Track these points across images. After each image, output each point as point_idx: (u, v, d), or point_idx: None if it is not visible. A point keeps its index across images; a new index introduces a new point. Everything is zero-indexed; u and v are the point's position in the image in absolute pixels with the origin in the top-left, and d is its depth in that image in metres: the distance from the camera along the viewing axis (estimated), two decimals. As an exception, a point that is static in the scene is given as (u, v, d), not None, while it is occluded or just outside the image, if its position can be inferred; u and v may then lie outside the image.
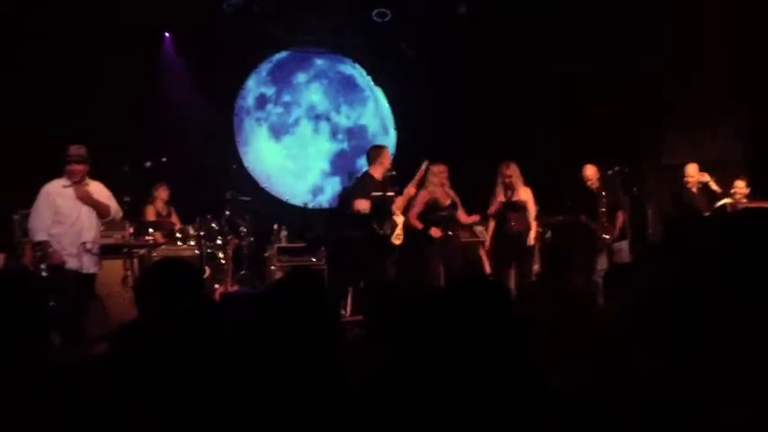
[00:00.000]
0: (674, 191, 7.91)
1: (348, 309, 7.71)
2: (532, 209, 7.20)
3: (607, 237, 7.43)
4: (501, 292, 2.27)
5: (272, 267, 8.22)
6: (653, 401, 1.77)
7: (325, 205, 10.23)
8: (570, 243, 7.10)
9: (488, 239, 7.41)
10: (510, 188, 7.09)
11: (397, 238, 6.68)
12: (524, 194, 7.17)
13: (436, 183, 6.95)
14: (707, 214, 7.49)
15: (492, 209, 7.18)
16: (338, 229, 8.25)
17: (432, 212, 6.93)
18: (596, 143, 8.36)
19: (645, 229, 8.35)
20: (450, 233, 6.92)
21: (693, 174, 7.74)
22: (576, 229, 7.53)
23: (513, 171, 7.10)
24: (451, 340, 2.08)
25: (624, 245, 7.56)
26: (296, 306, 2.18)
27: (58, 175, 5.75)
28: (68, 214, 5.68)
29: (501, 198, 7.12)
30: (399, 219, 6.74)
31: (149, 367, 2.25)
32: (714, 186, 7.69)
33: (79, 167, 5.68)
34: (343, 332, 5.24)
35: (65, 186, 5.69)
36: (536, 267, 7.66)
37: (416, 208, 6.97)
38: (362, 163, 10.40)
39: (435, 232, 6.85)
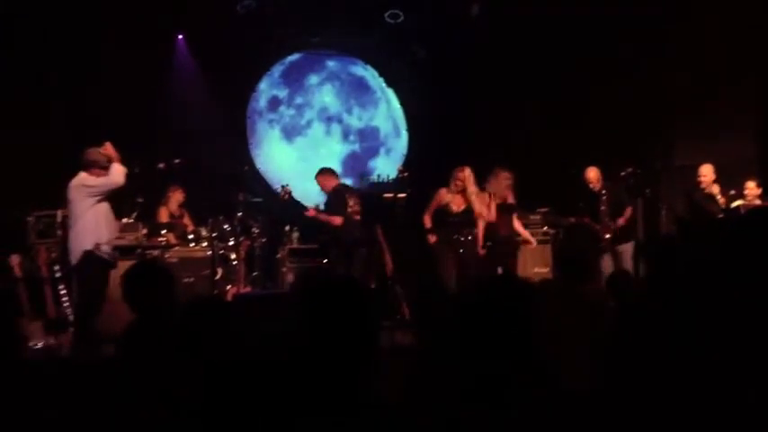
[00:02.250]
0: (687, 192, 7.85)
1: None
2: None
3: (608, 236, 7.41)
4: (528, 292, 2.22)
5: (284, 269, 8.23)
6: (656, 400, 1.77)
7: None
8: (585, 249, 7.10)
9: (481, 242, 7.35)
10: (509, 191, 7.16)
11: None
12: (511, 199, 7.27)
13: (453, 189, 6.94)
14: (721, 216, 7.43)
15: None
16: (351, 231, 8.26)
17: (443, 216, 6.94)
18: (609, 145, 8.32)
19: (658, 232, 8.29)
20: (459, 237, 6.90)
21: (707, 174, 7.66)
22: (585, 232, 7.51)
23: (506, 177, 7.21)
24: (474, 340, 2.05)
25: (629, 247, 7.49)
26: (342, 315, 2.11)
27: (72, 176, 5.81)
28: (105, 206, 5.81)
29: (497, 201, 7.16)
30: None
31: (147, 368, 2.27)
32: (719, 196, 7.60)
33: (102, 172, 5.78)
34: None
35: None
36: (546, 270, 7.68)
37: (431, 207, 7.00)
38: (374, 164, 10.50)
39: (431, 238, 6.87)
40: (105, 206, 5.83)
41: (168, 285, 3.06)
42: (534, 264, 7.93)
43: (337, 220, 7.02)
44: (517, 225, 7.48)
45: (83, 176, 5.75)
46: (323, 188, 7.36)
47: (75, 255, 5.73)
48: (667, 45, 8.31)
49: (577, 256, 4.14)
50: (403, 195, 6.83)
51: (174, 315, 2.83)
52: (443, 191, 6.99)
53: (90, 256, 5.68)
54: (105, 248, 5.80)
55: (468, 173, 6.94)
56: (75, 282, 5.86)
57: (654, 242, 2.32)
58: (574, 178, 7.79)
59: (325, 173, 7.44)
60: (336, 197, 7.22)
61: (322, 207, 10.08)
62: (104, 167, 5.77)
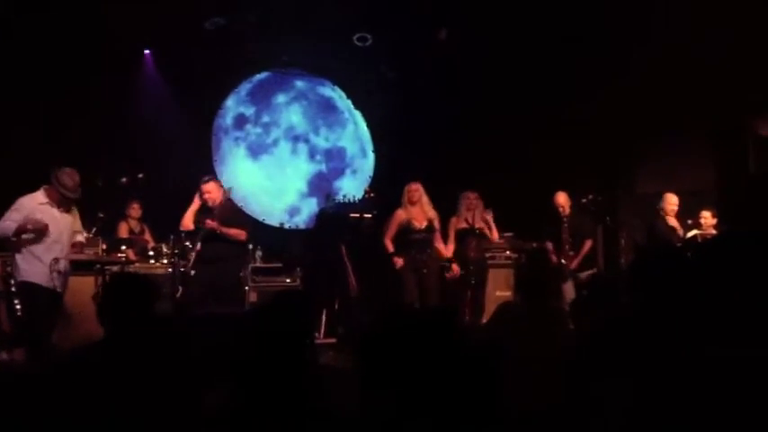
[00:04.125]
0: (648, 220, 7.97)
1: (322, 331, 7.67)
2: (495, 235, 7.42)
3: (565, 263, 7.50)
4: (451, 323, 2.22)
5: (246, 288, 8.14)
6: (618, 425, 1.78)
7: (302, 226, 10.20)
8: (544, 269, 7.15)
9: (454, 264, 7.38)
10: (472, 214, 7.21)
11: None
12: (485, 221, 7.30)
13: (408, 202, 6.99)
14: (679, 245, 7.54)
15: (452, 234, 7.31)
16: (314, 251, 8.23)
17: (405, 235, 6.94)
18: (572, 171, 8.44)
19: (617, 259, 8.40)
20: (422, 257, 6.90)
21: (672, 203, 7.77)
22: (546, 256, 7.59)
23: (475, 198, 7.27)
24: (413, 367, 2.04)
25: (589, 274, 7.59)
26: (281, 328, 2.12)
27: (35, 188, 5.71)
28: (51, 231, 5.65)
29: (463, 224, 7.24)
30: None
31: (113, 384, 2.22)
32: (678, 227, 7.75)
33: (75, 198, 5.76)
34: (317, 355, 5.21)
35: (41, 204, 5.68)
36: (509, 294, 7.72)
37: (390, 230, 7.00)
38: (340, 185, 10.50)
39: (398, 262, 6.87)
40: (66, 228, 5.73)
41: (150, 299, 2.85)
42: (496, 287, 7.98)
43: (244, 235, 6.83)
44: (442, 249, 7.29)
45: (28, 200, 5.64)
46: (213, 197, 6.80)
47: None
48: (630, 72, 8.45)
49: (538, 275, 4.18)
50: (369, 215, 6.83)
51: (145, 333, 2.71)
52: (400, 211, 7.03)
53: (24, 287, 5.57)
54: (62, 264, 5.71)
55: (419, 185, 7.05)
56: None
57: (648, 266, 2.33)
58: (539, 203, 7.89)
59: (220, 182, 7.14)
60: (239, 211, 7.17)
61: (287, 225, 10.05)
62: (64, 189, 5.64)
